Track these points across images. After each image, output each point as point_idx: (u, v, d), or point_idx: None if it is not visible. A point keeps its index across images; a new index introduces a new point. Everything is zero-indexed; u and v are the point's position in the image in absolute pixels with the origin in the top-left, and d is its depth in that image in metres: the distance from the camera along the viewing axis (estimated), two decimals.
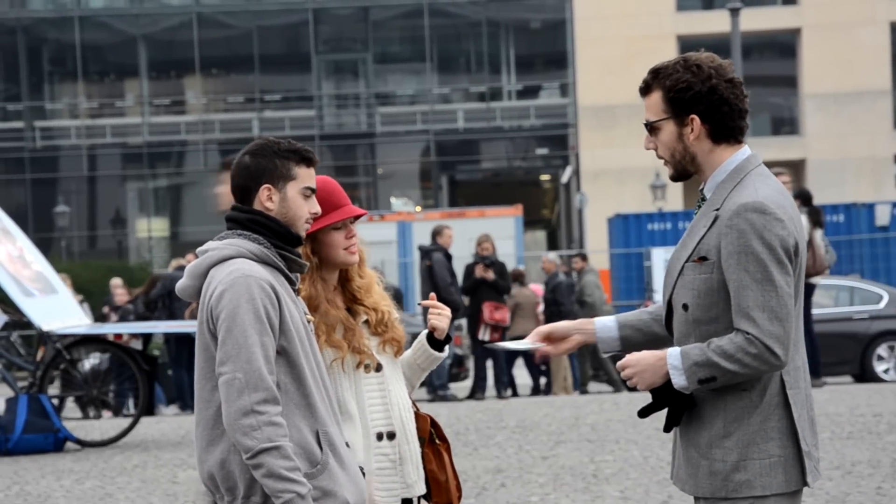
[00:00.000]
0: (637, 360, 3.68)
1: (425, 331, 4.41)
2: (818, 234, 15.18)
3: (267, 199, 3.84)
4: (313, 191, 3.91)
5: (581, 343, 3.94)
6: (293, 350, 3.76)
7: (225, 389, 3.66)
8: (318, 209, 3.93)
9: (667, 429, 3.73)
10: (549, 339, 3.95)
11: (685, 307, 3.68)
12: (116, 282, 22.75)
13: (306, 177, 3.88)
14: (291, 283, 3.86)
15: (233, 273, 3.72)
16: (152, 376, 13.21)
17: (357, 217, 4.32)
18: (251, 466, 3.64)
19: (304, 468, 3.70)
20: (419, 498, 4.35)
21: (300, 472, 3.65)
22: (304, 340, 3.80)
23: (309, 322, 3.90)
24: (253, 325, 3.67)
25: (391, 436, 4.25)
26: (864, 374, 18.08)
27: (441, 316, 4.35)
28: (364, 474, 3.99)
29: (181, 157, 46.67)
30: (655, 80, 3.73)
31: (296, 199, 3.86)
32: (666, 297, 3.76)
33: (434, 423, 4.42)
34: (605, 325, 3.92)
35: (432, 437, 4.40)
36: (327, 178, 4.30)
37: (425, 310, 4.46)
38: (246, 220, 3.84)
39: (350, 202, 4.32)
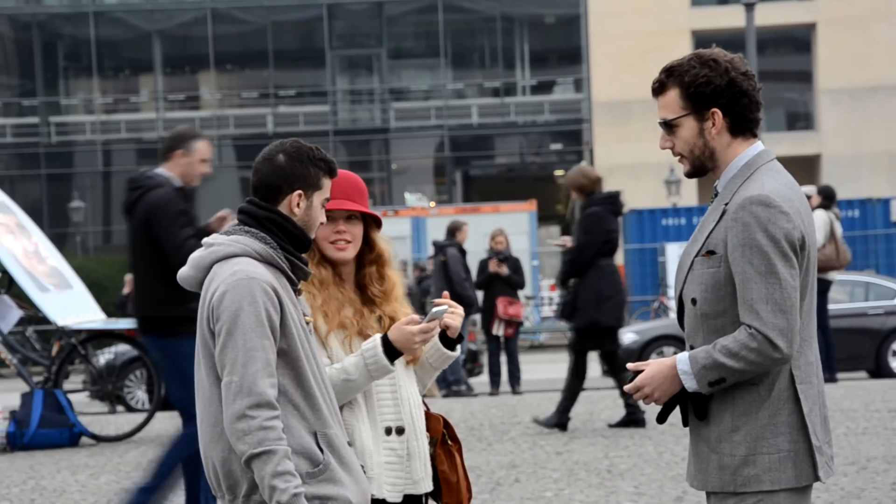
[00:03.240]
0: (651, 378, 3.68)
1: (437, 330, 4.38)
2: (838, 228, 15.18)
3: (296, 205, 3.84)
4: (328, 201, 3.94)
5: None
6: (293, 351, 3.75)
7: (224, 393, 3.67)
8: (324, 220, 3.95)
9: (686, 422, 3.74)
10: None
11: (693, 302, 3.69)
12: (130, 278, 22.83)
13: (328, 188, 3.91)
14: (293, 283, 3.86)
15: (236, 274, 3.70)
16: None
17: (370, 220, 4.28)
18: (249, 471, 3.67)
19: (305, 468, 3.70)
20: (426, 496, 4.33)
21: (291, 476, 3.63)
22: (303, 342, 3.80)
23: (308, 323, 3.89)
24: (254, 328, 3.66)
25: (400, 431, 4.22)
26: (880, 370, 18.05)
27: (454, 314, 4.31)
28: (364, 472, 3.98)
29: None
30: (670, 77, 3.73)
31: (317, 208, 3.88)
32: (677, 293, 3.77)
33: (447, 424, 4.39)
34: None
35: (444, 438, 4.37)
36: (344, 173, 4.27)
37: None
38: (263, 217, 3.82)
39: (351, 198, 4.25)
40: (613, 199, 11.90)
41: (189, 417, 7.68)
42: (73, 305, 12.98)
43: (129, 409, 16.86)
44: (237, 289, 3.68)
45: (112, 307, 21.11)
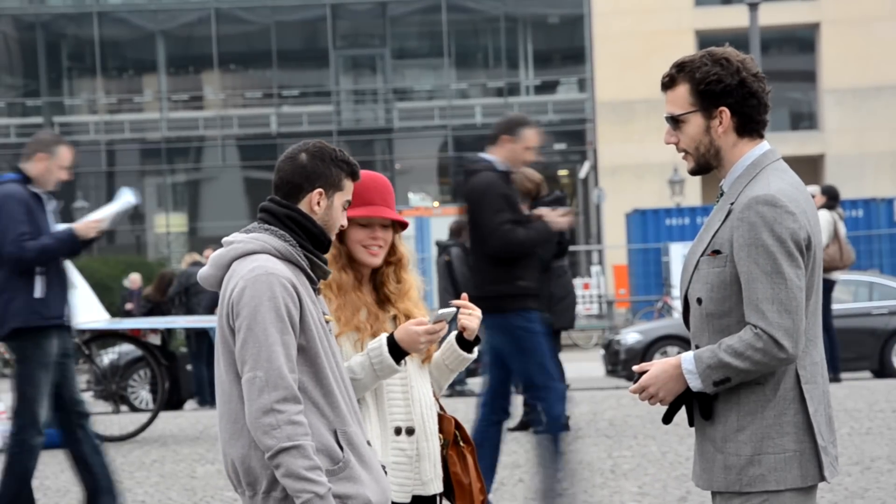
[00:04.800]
0: (655, 377, 3.67)
1: (454, 331, 4.38)
2: (842, 228, 15.18)
3: (316, 204, 3.85)
4: (350, 203, 3.95)
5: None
6: (312, 348, 3.75)
7: (247, 388, 3.66)
8: (345, 223, 3.96)
9: (692, 422, 3.74)
10: None
11: (699, 301, 3.68)
12: (135, 277, 22.85)
13: (349, 190, 3.93)
14: (312, 282, 3.86)
15: (255, 270, 3.72)
16: (173, 371, 13.22)
17: (402, 226, 4.29)
18: (272, 465, 3.64)
19: (325, 466, 3.69)
20: (440, 497, 4.32)
21: (321, 472, 3.64)
22: (322, 339, 3.80)
23: (328, 322, 3.90)
24: (274, 323, 3.66)
25: (410, 431, 4.22)
26: (883, 370, 18.03)
27: (471, 316, 4.30)
28: (386, 472, 3.96)
29: (199, 152, 46.77)
30: (681, 73, 3.72)
31: (338, 209, 3.89)
32: (682, 293, 3.76)
33: (458, 426, 4.38)
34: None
35: (457, 439, 4.36)
36: (377, 176, 4.29)
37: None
38: (284, 215, 3.84)
39: (389, 205, 4.28)
40: (560, 202, 11.98)
41: (537, 388, 8.22)
42: (76, 305, 12.97)
43: (133, 408, 16.86)
44: (256, 284, 3.69)
45: (115, 307, 21.12)
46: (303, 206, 3.85)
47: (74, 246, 8.04)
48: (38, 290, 7.96)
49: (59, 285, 8.09)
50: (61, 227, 8.15)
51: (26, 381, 8.01)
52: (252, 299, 3.68)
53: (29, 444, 8.05)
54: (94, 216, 8.26)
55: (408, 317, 4.28)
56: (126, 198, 8.56)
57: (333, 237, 3.94)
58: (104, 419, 14.37)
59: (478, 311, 4.31)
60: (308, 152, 3.88)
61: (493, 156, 8.15)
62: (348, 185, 3.91)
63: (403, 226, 4.35)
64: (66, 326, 8.16)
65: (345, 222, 3.94)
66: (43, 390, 8.03)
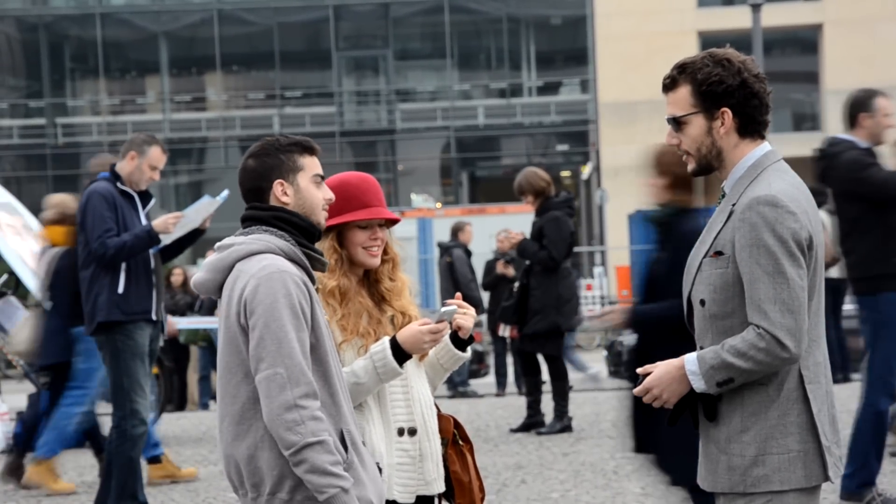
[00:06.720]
0: (659, 379, 3.67)
1: (448, 330, 4.39)
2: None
3: (282, 194, 3.85)
4: (322, 178, 3.94)
5: None
6: (321, 346, 3.75)
7: (266, 385, 3.64)
8: (331, 195, 3.94)
9: (696, 424, 3.74)
10: None
11: (702, 303, 3.69)
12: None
13: (313, 165, 3.91)
14: (312, 281, 3.86)
15: (266, 268, 3.71)
16: (181, 371, 13.16)
17: (391, 222, 4.32)
18: (293, 462, 3.62)
19: None
20: (440, 496, 4.33)
21: (342, 467, 3.64)
22: (328, 338, 3.81)
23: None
24: (290, 320, 3.66)
25: (412, 432, 4.23)
26: None
27: (466, 315, 4.33)
28: (381, 471, 3.97)
29: (202, 153, 46.77)
30: (682, 74, 3.73)
31: (308, 188, 3.88)
32: (686, 294, 3.76)
33: (457, 424, 4.40)
34: None
35: (455, 438, 4.38)
36: (366, 177, 4.32)
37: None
38: (270, 217, 3.83)
39: (384, 205, 4.31)
40: (570, 203, 12.01)
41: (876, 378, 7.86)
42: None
43: None
44: (270, 282, 3.68)
45: None
46: (272, 202, 3.86)
47: (152, 242, 8.12)
48: (121, 286, 8.03)
49: (144, 281, 8.14)
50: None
51: (121, 373, 8.10)
52: (267, 296, 3.66)
53: (130, 434, 8.12)
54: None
55: (404, 314, 4.32)
56: (205, 199, 8.70)
57: (323, 218, 3.92)
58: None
59: (472, 311, 4.36)
60: (252, 155, 3.90)
61: (854, 136, 8.14)
62: (308, 161, 3.89)
63: (393, 223, 4.37)
64: (153, 321, 8.18)
65: (329, 195, 3.92)
66: (140, 380, 8.10)
